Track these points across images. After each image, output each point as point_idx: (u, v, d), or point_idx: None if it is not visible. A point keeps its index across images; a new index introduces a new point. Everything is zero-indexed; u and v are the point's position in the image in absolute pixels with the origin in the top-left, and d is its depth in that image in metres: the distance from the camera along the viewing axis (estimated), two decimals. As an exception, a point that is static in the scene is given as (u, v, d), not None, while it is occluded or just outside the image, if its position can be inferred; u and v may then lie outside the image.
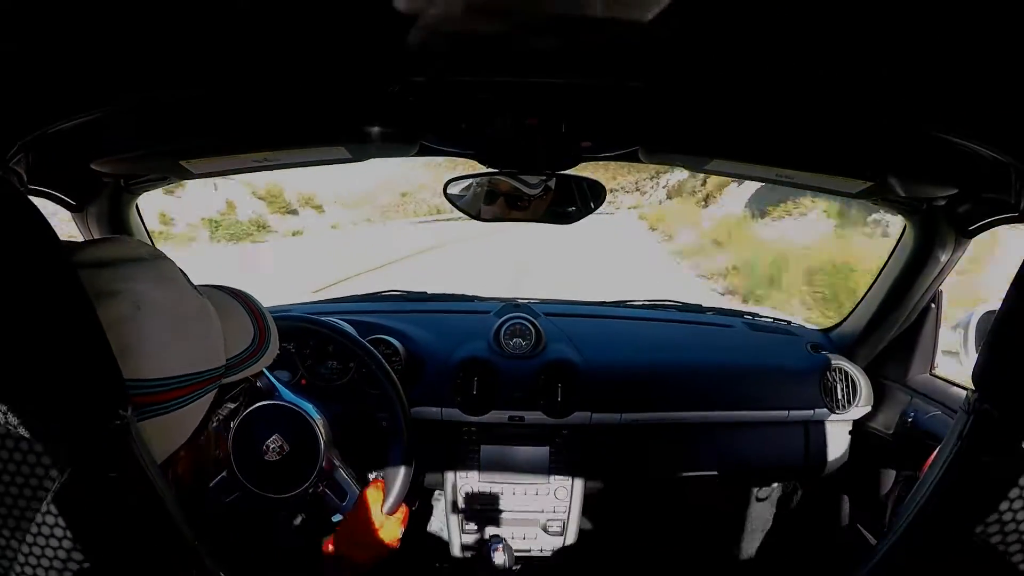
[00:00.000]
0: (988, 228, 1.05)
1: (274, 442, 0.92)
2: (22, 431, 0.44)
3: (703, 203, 21.07)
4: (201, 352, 0.55)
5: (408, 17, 0.53)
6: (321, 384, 1.29)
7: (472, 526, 1.43)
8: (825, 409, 1.41)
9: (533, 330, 1.43)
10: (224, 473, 0.93)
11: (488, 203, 1.03)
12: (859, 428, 1.44)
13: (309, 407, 0.97)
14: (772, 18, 0.51)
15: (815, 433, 1.44)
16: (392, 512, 0.98)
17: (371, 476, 1.07)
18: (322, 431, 0.95)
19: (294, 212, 27.70)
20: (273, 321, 0.69)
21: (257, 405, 0.95)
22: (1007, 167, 0.75)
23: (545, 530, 1.42)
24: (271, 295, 1.08)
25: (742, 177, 1.19)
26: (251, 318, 0.66)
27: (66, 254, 0.45)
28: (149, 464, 0.47)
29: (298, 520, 1.08)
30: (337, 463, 0.99)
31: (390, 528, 0.97)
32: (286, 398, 0.96)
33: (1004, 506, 0.54)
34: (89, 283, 0.45)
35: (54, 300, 0.42)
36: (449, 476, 1.39)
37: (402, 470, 0.99)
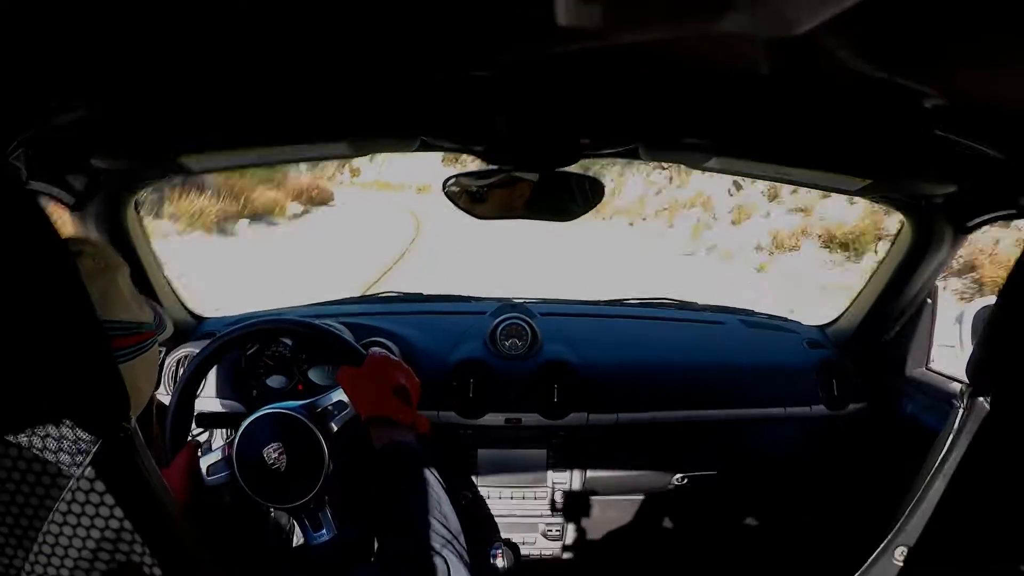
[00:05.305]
0: (986, 224, 1.06)
1: (275, 450, 0.90)
2: (27, 439, 0.44)
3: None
4: (143, 305, 0.66)
5: (408, 13, 0.52)
6: (317, 391, 1.27)
7: (470, 531, 1.42)
8: (822, 405, 1.42)
9: (529, 330, 1.41)
10: (226, 473, 0.91)
11: (487, 200, 1.02)
12: (856, 423, 1.44)
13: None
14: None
15: (812, 429, 1.44)
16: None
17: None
18: (324, 440, 0.92)
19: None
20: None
21: (261, 412, 0.93)
22: (1006, 164, 0.75)
23: (544, 534, 1.41)
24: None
25: (742, 175, 1.19)
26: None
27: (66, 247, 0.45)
28: (152, 471, 0.48)
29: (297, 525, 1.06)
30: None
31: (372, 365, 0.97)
32: (290, 406, 0.94)
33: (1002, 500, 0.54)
34: None
35: (63, 305, 0.42)
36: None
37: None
